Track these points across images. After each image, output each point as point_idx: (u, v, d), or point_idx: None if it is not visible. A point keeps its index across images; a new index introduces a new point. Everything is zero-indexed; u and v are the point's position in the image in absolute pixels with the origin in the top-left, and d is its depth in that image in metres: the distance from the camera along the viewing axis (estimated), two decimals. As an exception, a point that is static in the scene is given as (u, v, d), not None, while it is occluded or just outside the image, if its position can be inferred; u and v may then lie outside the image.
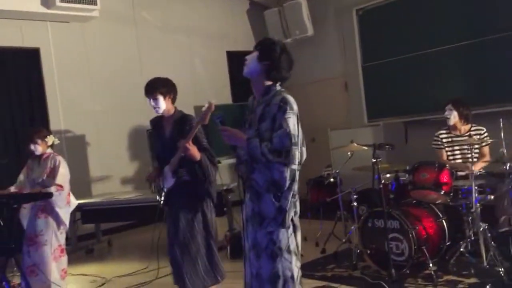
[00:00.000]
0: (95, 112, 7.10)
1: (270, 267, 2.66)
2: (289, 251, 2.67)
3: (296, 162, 2.58)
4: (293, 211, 2.69)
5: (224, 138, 2.73)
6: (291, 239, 2.68)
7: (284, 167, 2.55)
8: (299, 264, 2.74)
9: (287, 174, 2.55)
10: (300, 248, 2.78)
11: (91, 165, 7.09)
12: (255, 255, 2.71)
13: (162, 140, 3.70)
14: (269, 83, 2.71)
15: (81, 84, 7.00)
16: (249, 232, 2.73)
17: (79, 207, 5.49)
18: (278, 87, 2.72)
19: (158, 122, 3.75)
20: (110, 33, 7.27)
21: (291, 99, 2.64)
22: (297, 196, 2.72)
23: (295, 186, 2.64)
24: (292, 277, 2.68)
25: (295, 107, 2.62)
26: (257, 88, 2.75)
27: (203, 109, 3.10)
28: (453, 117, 4.60)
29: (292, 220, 2.69)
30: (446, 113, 4.62)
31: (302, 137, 2.70)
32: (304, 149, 2.72)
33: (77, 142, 6.97)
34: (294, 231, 2.72)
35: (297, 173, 2.61)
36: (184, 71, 7.86)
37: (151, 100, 3.60)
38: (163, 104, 3.60)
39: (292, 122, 2.58)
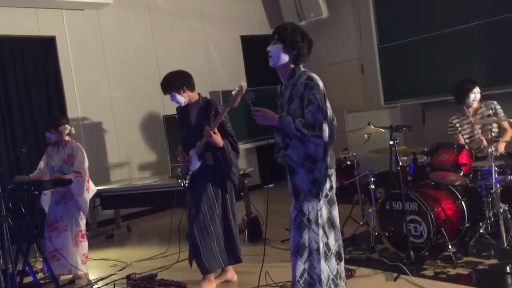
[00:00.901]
0: (112, 99, 7.15)
1: (297, 237, 2.77)
2: (317, 223, 2.76)
3: (327, 135, 2.70)
4: (329, 185, 2.80)
5: (257, 119, 2.81)
6: (321, 212, 2.76)
7: (319, 139, 2.68)
8: (330, 238, 2.82)
9: (322, 147, 2.68)
10: (337, 222, 2.90)
11: (108, 152, 7.16)
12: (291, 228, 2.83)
13: (187, 126, 3.77)
14: (293, 66, 2.84)
15: (97, 71, 7.05)
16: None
17: (98, 193, 5.56)
18: (302, 68, 2.85)
19: (183, 109, 3.82)
20: (125, 20, 7.28)
21: (316, 76, 2.78)
22: (332, 171, 2.83)
23: (328, 159, 2.74)
24: (318, 249, 2.76)
25: (320, 84, 2.76)
26: (283, 74, 2.89)
27: (233, 92, 3.12)
28: (478, 98, 4.49)
29: (326, 194, 2.79)
30: (478, 96, 4.44)
31: (332, 113, 2.82)
32: (335, 123, 2.85)
33: (94, 129, 7.04)
34: (330, 205, 2.83)
35: (329, 146, 2.74)
36: (198, 56, 7.85)
37: (170, 98, 3.73)
38: (181, 98, 3.71)
39: (319, 98, 2.70)
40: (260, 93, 6.50)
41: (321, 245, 2.77)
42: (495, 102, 4.47)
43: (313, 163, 2.70)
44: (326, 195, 2.79)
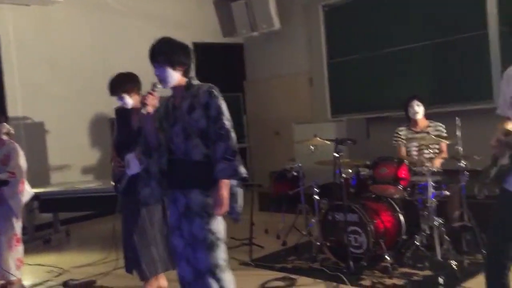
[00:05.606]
0: (56, 99, 6.92)
1: (208, 257, 2.67)
2: (222, 240, 2.72)
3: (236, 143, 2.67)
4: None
5: (222, 210, 2.64)
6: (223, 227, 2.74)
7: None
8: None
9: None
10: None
11: (50, 153, 6.92)
12: (192, 249, 2.70)
13: (128, 129, 3.66)
14: (185, 78, 2.81)
15: (42, 70, 6.81)
16: (185, 228, 2.73)
17: (36, 196, 5.36)
18: (196, 79, 2.84)
19: (124, 111, 3.70)
20: (73, 18, 7.10)
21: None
22: None
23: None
24: (227, 265, 2.76)
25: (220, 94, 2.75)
26: (178, 89, 2.82)
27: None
28: (421, 112, 4.71)
29: None
30: (415, 108, 4.68)
31: None
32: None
33: (36, 129, 6.79)
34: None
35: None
36: (148, 60, 7.74)
37: (117, 99, 3.59)
38: (130, 101, 3.60)
39: (225, 107, 2.69)
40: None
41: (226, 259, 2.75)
42: (443, 126, 4.69)
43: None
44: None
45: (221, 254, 2.70)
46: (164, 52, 2.73)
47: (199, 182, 2.67)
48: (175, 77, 2.75)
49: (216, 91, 2.71)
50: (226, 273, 2.71)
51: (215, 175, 2.60)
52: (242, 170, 2.62)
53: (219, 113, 2.65)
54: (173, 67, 2.73)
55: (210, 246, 2.66)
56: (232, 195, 2.67)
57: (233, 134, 2.65)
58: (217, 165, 2.59)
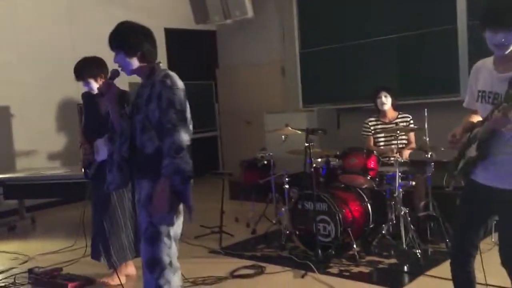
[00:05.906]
0: (22, 83, 6.72)
1: (149, 250, 2.59)
2: (169, 236, 2.60)
3: (187, 139, 2.50)
4: None
5: (159, 211, 2.50)
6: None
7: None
8: None
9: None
10: None
11: (15, 138, 6.74)
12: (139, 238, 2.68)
13: (96, 115, 3.61)
14: (148, 64, 2.63)
15: (7, 53, 6.59)
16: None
17: (1, 182, 5.25)
18: (161, 66, 2.66)
19: (92, 96, 3.65)
20: (41, 1, 6.88)
21: (174, 74, 2.59)
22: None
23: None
24: (171, 263, 2.64)
25: (179, 82, 2.56)
26: (142, 75, 2.67)
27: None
28: (389, 104, 4.78)
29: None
30: (383, 99, 4.74)
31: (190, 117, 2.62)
32: (190, 126, 2.60)
33: (0, 113, 6.59)
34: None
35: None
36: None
37: (83, 84, 3.56)
38: (96, 85, 3.56)
39: (178, 98, 2.51)
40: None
41: (174, 260, 2.61)
42: (410, 117, 4.77)
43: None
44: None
45: (164, 250, 2.55)
46: (118, 39, 2.60)
47: (148, 173, 2.56)
48: (133, 63, 2.60)
49: (169, 80, 2.51)
50: (169, 273, 2.56)
51: (161, 170, 2.47)
52: (185, 167, 2.46)
53: (168, 105, 2.47)
54: (127, 53, 2.58)
55: (150, 239, 2.55)
56: (179, 193, 2.50)
57: (181, 129, 2.47)
58: (163, 161, 2.47)
